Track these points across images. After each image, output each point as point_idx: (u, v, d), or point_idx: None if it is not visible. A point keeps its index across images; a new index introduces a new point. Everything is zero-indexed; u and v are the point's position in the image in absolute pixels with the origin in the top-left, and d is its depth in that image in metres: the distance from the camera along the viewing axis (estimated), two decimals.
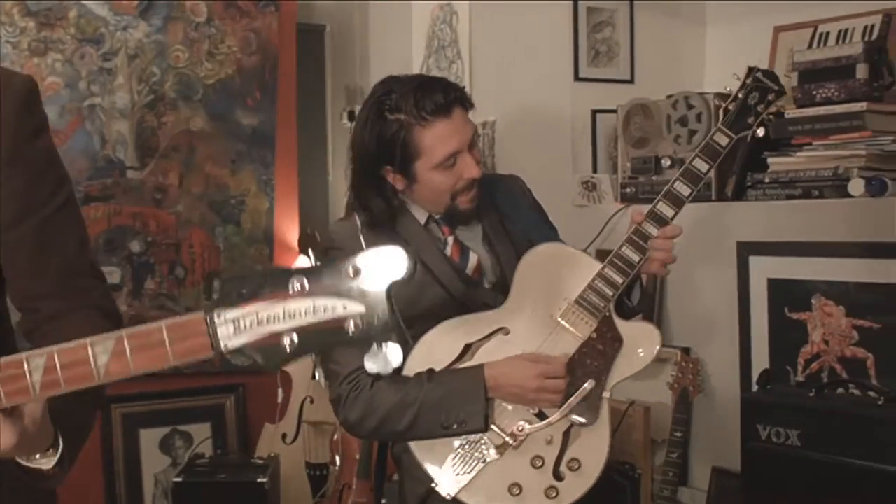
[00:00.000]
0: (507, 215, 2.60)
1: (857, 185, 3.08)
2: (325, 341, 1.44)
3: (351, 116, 4.58)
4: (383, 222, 2.48)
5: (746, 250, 3.38)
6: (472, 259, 2.52)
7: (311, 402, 4.23)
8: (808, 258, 3.20)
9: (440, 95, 2.40)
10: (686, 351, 3.53)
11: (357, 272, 1.42)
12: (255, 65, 4.45)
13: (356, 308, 1.40)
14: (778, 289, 3.30)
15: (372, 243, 2.43)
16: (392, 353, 1.38)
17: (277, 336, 1.40)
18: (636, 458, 3.58)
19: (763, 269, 3.34)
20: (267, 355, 1.41)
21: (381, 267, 1.43)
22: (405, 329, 2.40)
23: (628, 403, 3.55)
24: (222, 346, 1.37)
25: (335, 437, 3.98)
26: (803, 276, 3.22)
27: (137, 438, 4.31)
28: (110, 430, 4.26)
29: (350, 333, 1.42)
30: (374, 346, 1.40)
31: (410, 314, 2.43)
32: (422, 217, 2.52)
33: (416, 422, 2.38)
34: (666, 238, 2.43)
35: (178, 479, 3.88)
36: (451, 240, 2.53)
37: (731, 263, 3.42)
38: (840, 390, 2.77)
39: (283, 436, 4.25)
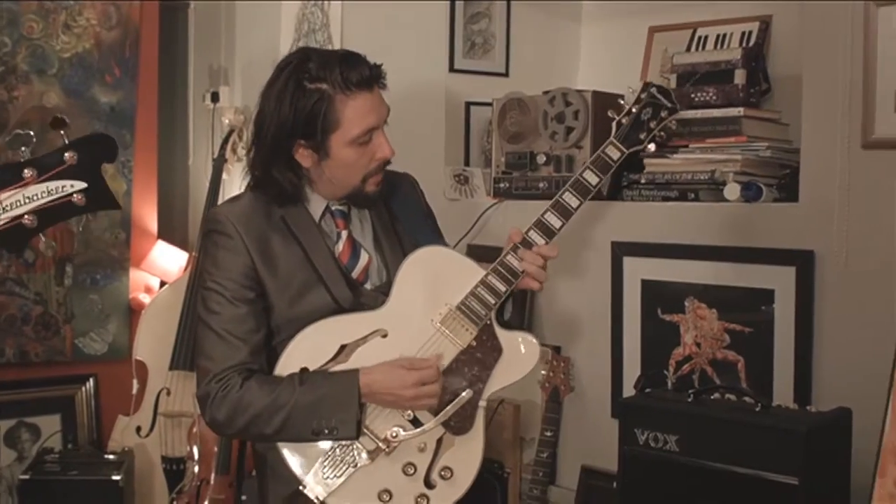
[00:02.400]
0: (398, 216, 2.52)
1: (733, 190, 3.12)
2: (60, 215, 1.91)
3: (214, 98, 4.41)
4: (292, 198, 2.38)
5: (620, 250, 3.39)
6: (363, 259, 2.44)
7: (168, 393, 4.07)
8: (683, 260, 3.24)
9: (365, 68, 2.32)
10: (557, 350, 3.53)
11: (74, 156, 1.89)
12: (114, 40, 4.25)
13: (80, 185, 1.89)
14: (651, 290, 3.32)
15: (261, 233, 2.35)
16: None
17: (19, 218, 1.86)
18: (505, 457, 3.57)
19: (637, 269, 3.36)
20: (13, 237, 1.87)
21: (94, 148, 1.92)
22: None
23: (498, 401, 3.53)
24: None
25: (193, 429, 3.84)
26: (677, 278, 3.25)
27: None
28: None
29: (77, 205, 1.91)
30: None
31: (289, 315, 2.36)
32: (317, 210, 2.42)
33: (286, 425, 2.29)
34: (539, 255, 2.38)
35: (26, 476, 3.69)
36: (344, 234, 2.44)
37: (605, 263, 3.43)
38: (715, 395, 2.79)
39: (138, 428, 4.08)
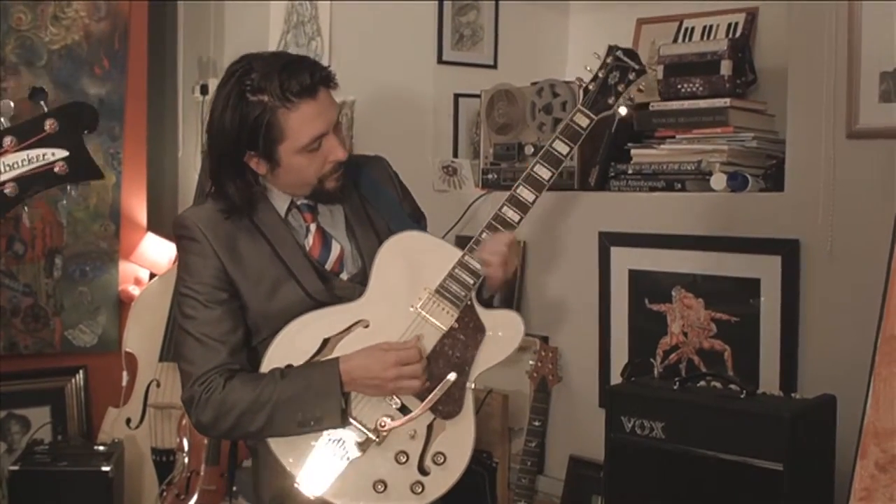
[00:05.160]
0: (369, 200, 2.51)
1: (719, 180, 3.14)
2: (41, 184, 1.86)
3: (203, 90, 4.41)
4: (242, 210, 2.36)
5: (608, 241, 3.41)
6: (335, 250, 2.43)
7: (158, 385, 4.08)
8: (670, 250, 3.25)
9: (306, 76, 2.27)
10: (545, 340, 3.55)
11: (54, 124, 1.84)
12: (103, 32, 4.25)
13: (61, 153, 1.85)
14: (639, 280, 3.34)
15: (228, 234, 2.36)
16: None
17: (1, 186, 1.82)
18: (493, 447, 3.58)
19: (624, 259, 3.37)
20: None
21: (75, 116, 1.87)
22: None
23: (486, 391, 3.54)
24: None
25: (183, 421, 3.85)
26: (664, 267, 3.27)
27: None
28: None
29: (59, 174, 1.86)
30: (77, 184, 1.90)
31: (264, 313, 2.36)
32: (283, 205, 2.41)
33: (271, 421, 2.29)
34: (498, 243, 2.39)
35: (15, 467, 3.68)
36: (313, 227, 2.43)
37: (593, 253, 3.44)
38: (702, 383, 2.81)
39: (128, 420, 4.08)
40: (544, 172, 2.41)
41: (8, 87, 4.07)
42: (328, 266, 2.42)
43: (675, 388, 2.77)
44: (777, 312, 3.02)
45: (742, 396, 2.67)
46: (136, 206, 4.39)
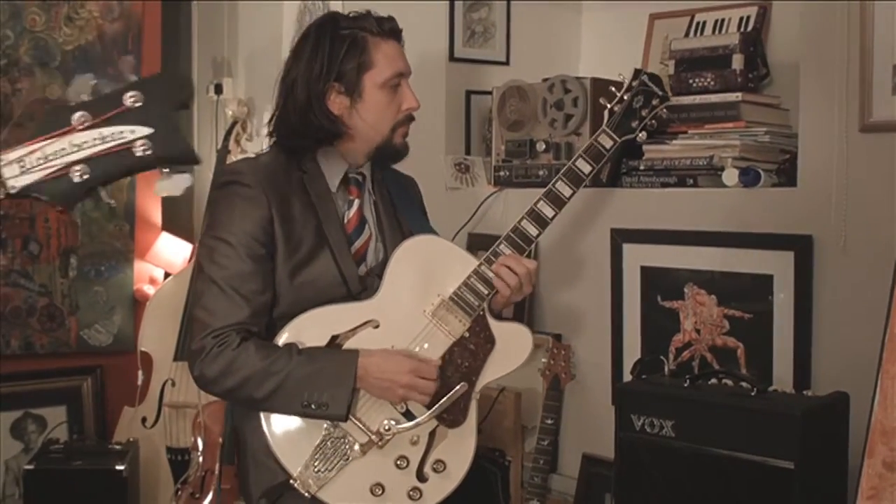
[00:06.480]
0: (397, 205, 2.54)
1: (731, 176, 3.11)
2: (118, 168, 1.55)
3: (218, 89, 4.42)
4: (331, 137, 2.41)
5: (620, 237, 3.38)
6: (365, 234, 2.45)
7: (173, 384, 4.09)
8: (682, 247, 3.22)
9: (394, 22, 2.44)
10: (558, 337, 3.53)
11: (137, 97, 1.53)
12: (117, 32, 4.27)
13: (143, 130, 1.53)
14: (651, 277, 3.31)
15: (282, 191, 2.36)
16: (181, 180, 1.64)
17: (66, 168, 1.50)
18: (506, 445, 3.57)
19: (636, 256, 3.35)
20: (57, 189, 1.51)
21: (163, 89, 1.57)
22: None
23: (499, 390, 3.53)
24: (10, 186, 1.48)
25: (198, 420, 3.86)
26: (676, 264, 3.24)
27: None
28: None
29: (139, 156, 1.54)
30: (166, 169, 1.62)
31: (289, 280, 2.35)
32: (336, 177, 2.43)
33: (277, 393, 2.26)
34: (520, 265, 2.40)
35: (31, 466, 3.70)
36: (356, 204, 2.45)
37: (605, 250, 3.42)
38: (713, 381, 2.79)
39: (143, 419, 4.10)
40: (565, 190, 2.44)
41: (23, 88, 4.10)
42: (356, 246, 2.44)
43: (686, 385, 2.75)
44: (790, 309, 2.98)
45: (752, 394, 2.64)
46: (151, 206, 4.41)
